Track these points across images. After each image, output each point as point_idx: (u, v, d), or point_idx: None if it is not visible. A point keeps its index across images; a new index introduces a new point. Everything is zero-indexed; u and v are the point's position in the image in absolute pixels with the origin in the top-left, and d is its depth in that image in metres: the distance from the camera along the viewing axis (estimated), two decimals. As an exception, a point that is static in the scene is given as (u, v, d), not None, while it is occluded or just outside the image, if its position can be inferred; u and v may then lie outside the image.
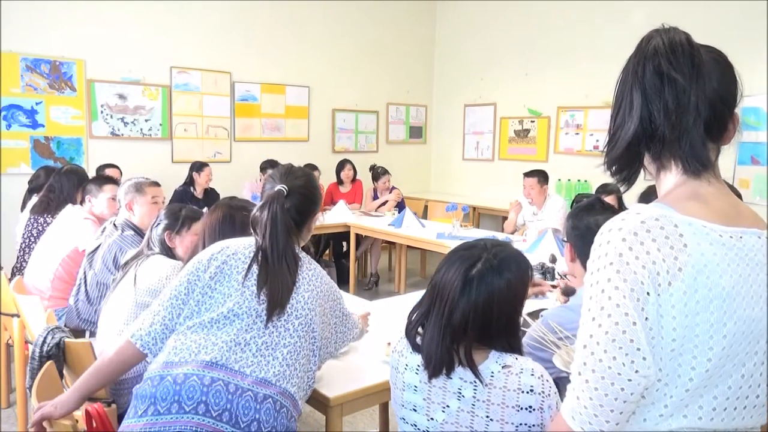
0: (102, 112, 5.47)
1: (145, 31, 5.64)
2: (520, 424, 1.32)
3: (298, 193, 1.75)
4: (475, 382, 1.36)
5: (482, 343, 1.39)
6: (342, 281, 5.69)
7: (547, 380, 1.37)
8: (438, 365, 1.38)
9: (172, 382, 1.48)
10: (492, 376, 1.35)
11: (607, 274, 0.92)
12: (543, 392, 1.34)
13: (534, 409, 1.32)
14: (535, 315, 2.19)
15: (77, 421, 1.84)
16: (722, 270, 0.93)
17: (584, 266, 1.75)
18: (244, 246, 1.71)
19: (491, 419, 1.34)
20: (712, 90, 0.96)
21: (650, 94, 0.95)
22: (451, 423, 1.37)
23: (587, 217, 1.88)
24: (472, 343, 1.37)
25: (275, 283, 1.64)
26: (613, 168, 1.03)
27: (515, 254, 1.46)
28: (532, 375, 1.35)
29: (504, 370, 1.36)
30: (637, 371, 0.89)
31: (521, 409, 1.32)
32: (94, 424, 1.71)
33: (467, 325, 1.36)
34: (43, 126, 5.18)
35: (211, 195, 5.53)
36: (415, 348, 1.45)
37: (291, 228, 1.70)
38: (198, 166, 5.46)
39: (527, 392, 1.33)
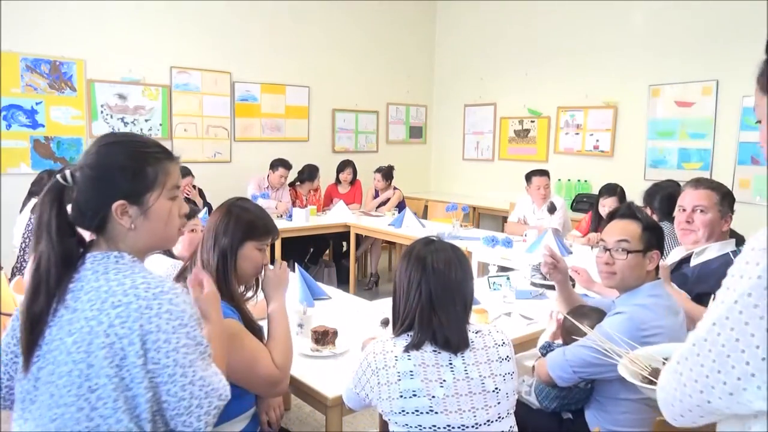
0: (102, 112, 5.47)
1: (145, 31, 5.64)
2: (506, 373, 1.57)
3: (84, 175, 1.23)
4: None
5: None
6: (342, 281, 5.71)
7: (505, 333, 1.65)
8: (463, 340, 1.56)
9: None
10: (472, 342, 1.58)
11: (751, 286, 0.81)
12: (509, 343, 1.63)
13: (510, 358, 1.60)
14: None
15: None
16: None
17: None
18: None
19: (484, 377, 1.54)
20: None
21: None
22: (451, 396, 1.51)
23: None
24: None
25: (24, 313, 1.19)
26: None
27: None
28: (498, 332, 1.64)
29: (478, 334, 1.60)
30: (731, 394, 0.80)
31: (502, 360, 1.58)
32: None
33: (470, 301, 1.62)
34: (43, 126, 5.18)
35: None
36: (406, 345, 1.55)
37: (66, 231, 1.19)
38: None
39: (501, 345, 1.60)
